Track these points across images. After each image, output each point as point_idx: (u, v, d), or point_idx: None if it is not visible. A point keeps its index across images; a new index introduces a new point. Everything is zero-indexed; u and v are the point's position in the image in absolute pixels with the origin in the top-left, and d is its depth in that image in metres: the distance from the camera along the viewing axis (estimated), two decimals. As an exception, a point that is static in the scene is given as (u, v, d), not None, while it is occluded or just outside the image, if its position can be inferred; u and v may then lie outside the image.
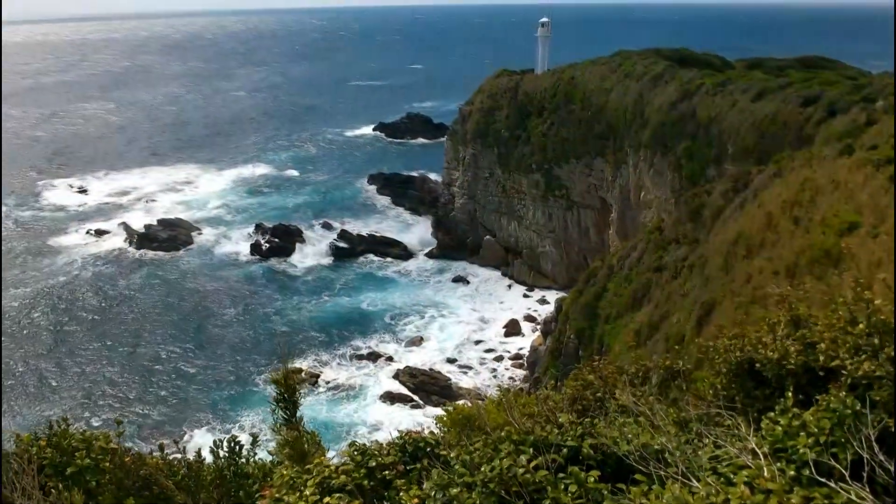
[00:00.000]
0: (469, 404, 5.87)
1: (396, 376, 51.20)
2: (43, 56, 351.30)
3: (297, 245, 75.68)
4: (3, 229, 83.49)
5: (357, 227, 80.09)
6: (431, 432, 5.17)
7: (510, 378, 51.75)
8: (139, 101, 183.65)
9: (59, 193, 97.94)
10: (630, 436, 4.53)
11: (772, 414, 4.44)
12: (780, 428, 4.21)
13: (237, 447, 6.44)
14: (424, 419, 45.50)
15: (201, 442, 41.68)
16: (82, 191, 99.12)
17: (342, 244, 75.17)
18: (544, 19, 72.69)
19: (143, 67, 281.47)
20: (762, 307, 21.04)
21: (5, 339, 57.34)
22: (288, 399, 5.06)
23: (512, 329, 58.40)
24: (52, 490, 4.60)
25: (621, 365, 6.86)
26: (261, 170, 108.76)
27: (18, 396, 49.25)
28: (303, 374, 49.35)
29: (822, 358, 5.32)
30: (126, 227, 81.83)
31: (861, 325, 5.16)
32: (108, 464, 5.19)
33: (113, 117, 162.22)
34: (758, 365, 5.91)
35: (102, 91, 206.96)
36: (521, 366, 53.02)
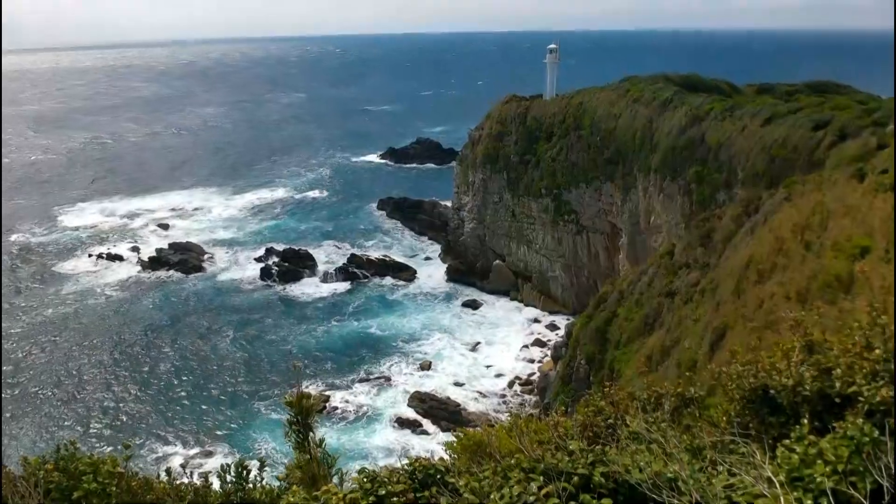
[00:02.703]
0: (479, 430, 5.80)
1: (406, 401, 50.86)
2: (71, 82, 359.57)
3: (307, 269, 75.88)
4: (18, 251, 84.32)
5: (367, 252, 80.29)
6: (441, 459, 5.10)
7: (520, 403, 51.24)
8: (158, 127, 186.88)
9: (75, 216, 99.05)
10: (642, 463, 4.45)
11: (787, 441, 4.36)
12: (796, 456, 4.13)
13: (245, 472, 6.38)
14: (434, 445, 45.06)
15: (209, 466, 41.51)
16: (101, 213, 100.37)
17: (352, 268, 75.28)
18: (553, 45, 73.36)
19: (160, 94, 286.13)
20: (775, 332, 20.80)
21: (16, 362, 57.54)
22: (301, 422, 5.02)
23: (521, 354, 58.00)
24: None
25: (633, 391, 6.78)
26: (273, 194, 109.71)
27: (26, 420, 49.23)
28: (311, 399, 49.06)
29: (837, 384, 5.24)
30: (138, 250, 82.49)
31: (878, 351, 5.08)
32: (114, 488, 5.15)
33: (130, 142, 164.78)
34: (772, 391, 5.82)
35: (120, 116, 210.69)
36: (531, 391, 52.54)
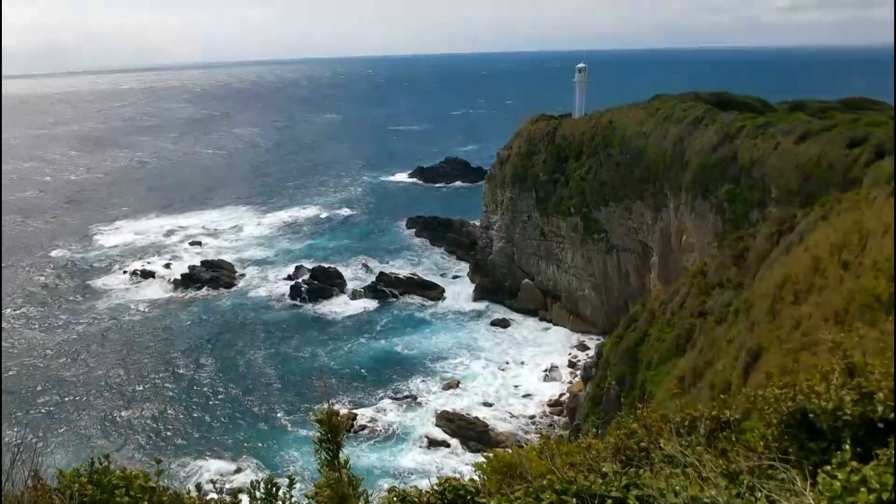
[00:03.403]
0: (510, 451, 5.73)
1: (434, 421, 50.61)
2: (111, 104, 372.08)
3: (336, 287, 76.42)
4: (56, 267, 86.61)
5: (395, 270, 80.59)
6: (471, 479, 5.05)
7: (549, 424, 50.64)
8: (196, 147, 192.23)
9: (112, 234, 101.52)
10: (678, 487, 4.35)
11: (829, 468, 4.22)
12: (838, 483, 3.99)
13: (274, 489, 6.39)
14: (462, 465, 44.69)
15: (237, 482, 41.63)
16: (137, 231, 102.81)
17: (381, 286, 75.59)
18: (581, 65, 73.46)
19: (198, 115, 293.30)
20: (812, 354, 20.27)
21: (51, 376, 58.82)
22: (331, 440, 5.01)
23: (551, 374, 57.43)
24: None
25: (666, 413, 6.64)
26: (303, 213, 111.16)
27: (61, 433, 50.15)
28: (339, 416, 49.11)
29: (880, 409, 5.06)
30: (170, 268, 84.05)
31: (923, 375, 4.91)
32: (146, 502, 5.19)
33: (167, 161, 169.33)
34: (811, 415, 5.65)
35: (159, 136, 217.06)
36: (560, 412, 51.88)
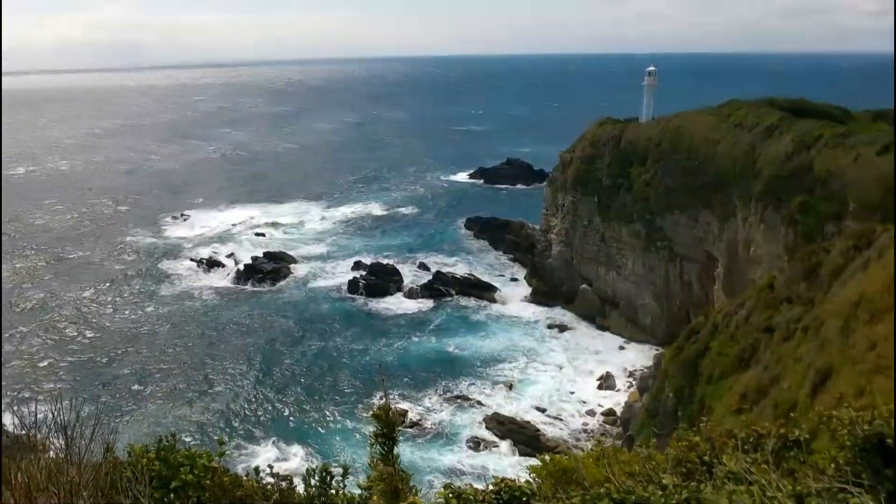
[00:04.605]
0: (565, 456, 5.64)
1: (484, 422, 50.49)
2: (190, 98, 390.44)
3: (393, 283, 77.20)
4: (130, 251, 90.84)
5: (452, 269, 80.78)
6: (527, 481, 5.00)
7: (602, 433, 49.75)
8: (272, 141, 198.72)
9: (179, 224, 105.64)
10: (741, 505, 4.18)
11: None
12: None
13: (329, 478, 6.49)
14: (511, 468, 44.43)
15: (287, 468, 42.53)
16: (206, 220, 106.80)
17: (437, 285, 75.93)
18: (651, 68, 71.92)
19: (273, 111, 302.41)
20: (887, 377, 19.24)
21: (118, 355, 61.69)
22: (387, 435, 5.06)
23: (606, 382, 56.40)
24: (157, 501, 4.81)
25: (730, 429, 6.40)
26: (366, 209, 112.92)
27: (126, 410, 52.50)
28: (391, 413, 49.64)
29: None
30: (234, 257, 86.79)
31: None
32: (208, 481, 5.37)
33: (241, 154, 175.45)
34: (888, 441, 5.35)
35: (236, 130, 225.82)
36: (613, 422, 50.91)
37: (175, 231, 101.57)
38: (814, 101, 59.05)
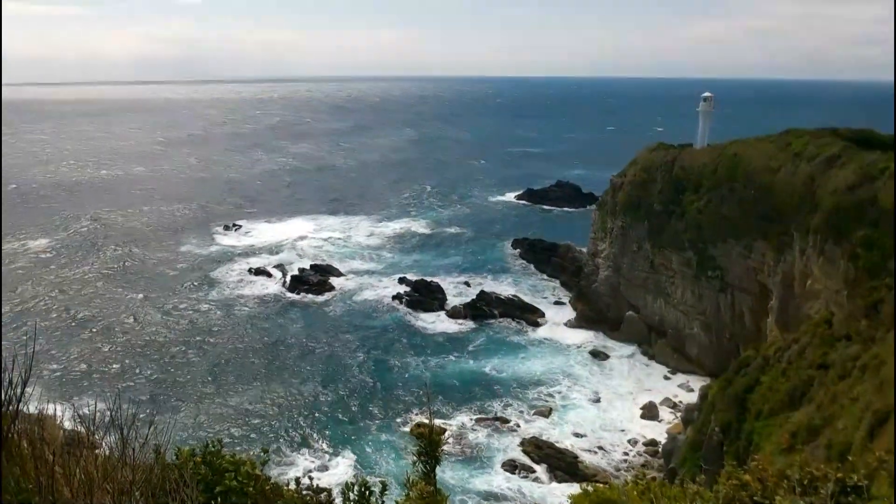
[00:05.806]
0: (607, 487, 5.50)
1: (521, 445, 49.81)
2: (256, 112, 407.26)
3: (436, 301, 77.31)
4: (182, 259, 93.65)
5: (496, 290, 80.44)
6: (569, 510, 4.90)
7: (643, 464, 48.45)
8: (333, 155, 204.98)
9: (233, 233, 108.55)
10: (795, 551, 4.00)
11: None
12: None
13: (367, 492, 6.51)
14: (548, 495, 43.64)
15: (325, 480, 42.73)
16: (259, 230, 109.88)
17: (480, 305, 75.67)
18: (707, 94, 70.68)
19: (334, 127, 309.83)
20: (954, 425, 18.22)
21: (166, 358, 63.42)
22: (429, 454, 5.05)
23: (648, 412, 55.03)
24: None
25: (783, 469, 6.15)
26: (413, 226, 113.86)
27: (173, 412, 53.77)
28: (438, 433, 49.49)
29: None
30: (282, 268, 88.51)
31: None
32: (251, 489, 5.44)
33: (304, 167, 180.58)
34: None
35: (298, 143, 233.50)
36: (655, 453, 49.53)
37: (228, 240, 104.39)
38: (880, 131, 56.94)
